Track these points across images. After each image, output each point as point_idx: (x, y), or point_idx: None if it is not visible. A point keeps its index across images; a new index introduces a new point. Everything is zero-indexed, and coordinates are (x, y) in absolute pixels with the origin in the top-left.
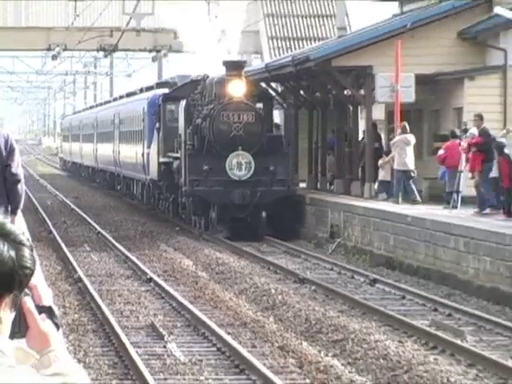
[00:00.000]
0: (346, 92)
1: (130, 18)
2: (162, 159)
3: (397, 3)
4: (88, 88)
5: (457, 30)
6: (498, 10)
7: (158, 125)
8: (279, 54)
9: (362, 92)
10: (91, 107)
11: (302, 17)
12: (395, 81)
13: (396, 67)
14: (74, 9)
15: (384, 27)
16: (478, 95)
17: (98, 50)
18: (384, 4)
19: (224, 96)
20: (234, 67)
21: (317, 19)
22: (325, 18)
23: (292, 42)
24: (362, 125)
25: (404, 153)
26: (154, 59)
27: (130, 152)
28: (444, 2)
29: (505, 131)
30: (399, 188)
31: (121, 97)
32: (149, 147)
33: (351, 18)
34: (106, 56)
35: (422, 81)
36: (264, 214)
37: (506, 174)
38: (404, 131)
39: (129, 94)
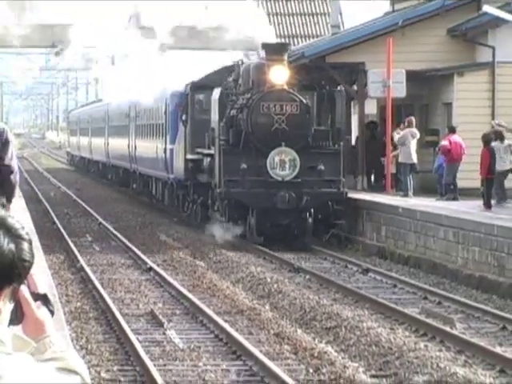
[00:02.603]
0: (339, 88)
1: (131, 16)
2: (189, 156)
3: (388, 2)
4: (90, 84)
5: (446, 27)
6: (486, 8)
7: (184, 117)
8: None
9: (355, 87)
10: (100, 100)
11: (297, 15)
12: (387, 77)
13: (388, 63)
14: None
15: (376, 25)
16: (467, 91)
17: None
18: (376, 3)
19: (264, 84)
20: (276, 50)
21: (311, 17)
22: (319, 16)
23: (287, 39)
24: (354, 120)
25: (409, 146)
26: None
27: (149, 147)
28: (434, 1)
29: (494, 123)
30: (408, 181)
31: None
32: (172, 142)
33: (344, 17)
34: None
35: (412, 77)
36: (310, 219)
37: (486, 166)
38: (410, 125)
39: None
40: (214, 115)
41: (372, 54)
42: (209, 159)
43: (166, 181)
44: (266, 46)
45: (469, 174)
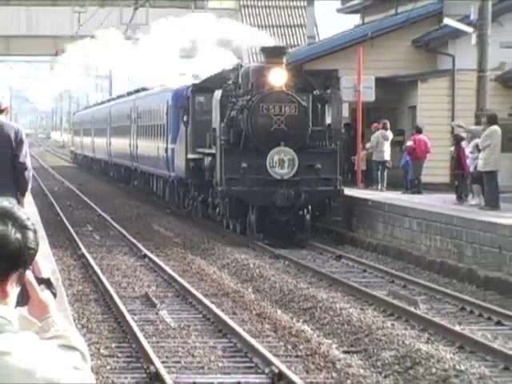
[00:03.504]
0: (315, 92)
1: (127, 28)
2: (190, 155)
3: (358, 15)
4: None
5: (411, 38)
6: (446, 20)
7: (185, 118)
8: (257, 60)
9: (329, 92)
10: (103, 102)
11: (276, 27)
12: (358, 82)
13: (358, 71)
14: (78, 20)
15: (348, 36)
16: (429, 95)
17: None
18: (348, 16)
19: (263, 86)
20: (275, 54)
21: (289, 29)
22: (296, 28)
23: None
24: (328, 121)
25: (382, 146)
26: None
27: (151, 147)
28: (400, 15)
29: (453, 124)
30: (379, 177)
31: (136, 91)
32: (174, 142)
33: (319, 28)
34: None
35: (381, 83)
36: (308, 216)
37: (463, 163)
38: (384, 127)
39: (144, 89)
40: (216, 116)
41: (344, 62)
42: (210, 158)
43: (166, 179)
44: (265, 50)
45: (432, 171)
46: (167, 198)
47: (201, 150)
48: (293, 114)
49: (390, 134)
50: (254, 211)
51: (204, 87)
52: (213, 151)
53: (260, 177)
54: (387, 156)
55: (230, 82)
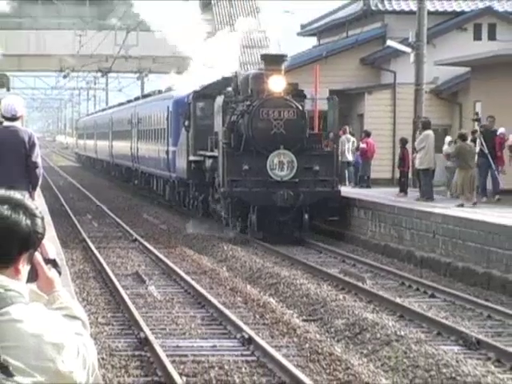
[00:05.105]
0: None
1: (120, 48)
2: (191, 157)
3: (315, 37)
4: (90, 99)
5: (359, 57)
6: (389, 42)
7: (187, 123)
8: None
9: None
10: (104, 110)
11: (246, 47)
12: (315, 94)
13: (315, 84)
14: (79, 41)
15: (306, 55)
16: (374, 105)
17: (96, 71)
18: (306, 38)
19: (262, 92)
20: (274, 61)
21: (257, 49)
22: (263, 49)
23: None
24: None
25: (345, 148)
26: (138, 78)
27: (151, 149)
28: (350, 37)
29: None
30: (345, 174)
31: (136, 99)
32: (174, 145)
33: (282, 48)
34: (102, 76)
35: (334, 94)
36: (306, 216)
37: (407, 162)
38: (345, 132)
39: (144, 96)
40: (218, 120)
41: (304, 77)
42: (211, 160)
43: (167, 179)
44: (265, 57)
45: (377, 168)
46: (167, 197)
47: (202, 152)
48: (291, 118)
49: (350, 138)
50: (254, 211)
51: (204, 94)
52: (214, 154)
53: (260, 178)
54: (350, 156)
55: (230, 88)
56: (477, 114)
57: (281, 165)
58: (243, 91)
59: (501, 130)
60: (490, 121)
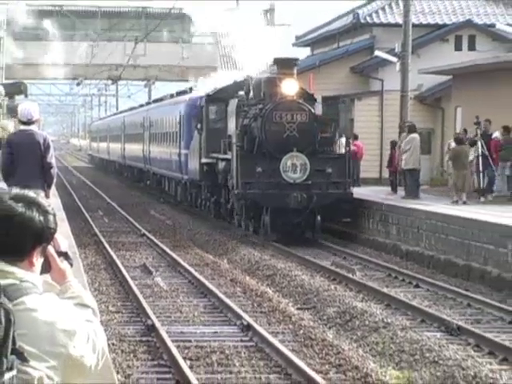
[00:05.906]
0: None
1: (129, 57)
2: (204, 160)
3: (309, 48)
4: (101, 105)
5: (349, 66)
6: (377, 52)
7: (199, 126)
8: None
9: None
10: (115, 114)
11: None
12: None
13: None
14: (92, 51)
15: (301, 64)
16: (364, 111)
17: (107, 79)
18: (300, 49)
19: (275, 95)
20: (287, 65)
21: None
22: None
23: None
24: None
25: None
26: (145, 86)
27: (163, 151)
28: (340, 48)
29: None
30: None
31: (147, 103)
32: (186, 148)
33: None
34: (113, 83)
35: (327, 100)
36: (319, 217)
37: (394, 162)
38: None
39: (155, 101)
40: (231, 123)
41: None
42: (224, 163)
43: (179, 180)
44: (277, 61)
45: (365, 168)
46: (179, 197)
47: (214, 154)
48: (304, 121)
49: (344, 140)
50: (268, 213)
51: (216, 97)
52: (227, 156)
53: (274, 181)
54: None
55: (242, 92)
56: (477, 117)
57: (294, 167)
58: (256, 95)
59: (495, 134)
60: (486, 124)
